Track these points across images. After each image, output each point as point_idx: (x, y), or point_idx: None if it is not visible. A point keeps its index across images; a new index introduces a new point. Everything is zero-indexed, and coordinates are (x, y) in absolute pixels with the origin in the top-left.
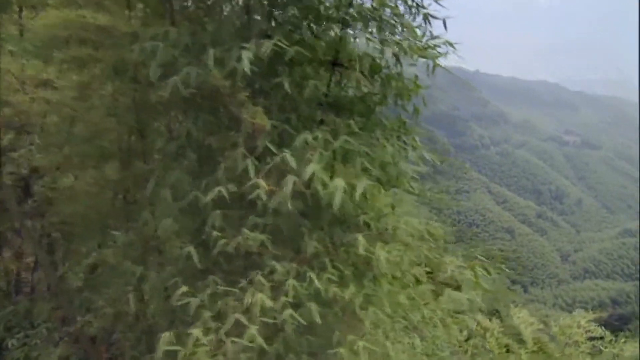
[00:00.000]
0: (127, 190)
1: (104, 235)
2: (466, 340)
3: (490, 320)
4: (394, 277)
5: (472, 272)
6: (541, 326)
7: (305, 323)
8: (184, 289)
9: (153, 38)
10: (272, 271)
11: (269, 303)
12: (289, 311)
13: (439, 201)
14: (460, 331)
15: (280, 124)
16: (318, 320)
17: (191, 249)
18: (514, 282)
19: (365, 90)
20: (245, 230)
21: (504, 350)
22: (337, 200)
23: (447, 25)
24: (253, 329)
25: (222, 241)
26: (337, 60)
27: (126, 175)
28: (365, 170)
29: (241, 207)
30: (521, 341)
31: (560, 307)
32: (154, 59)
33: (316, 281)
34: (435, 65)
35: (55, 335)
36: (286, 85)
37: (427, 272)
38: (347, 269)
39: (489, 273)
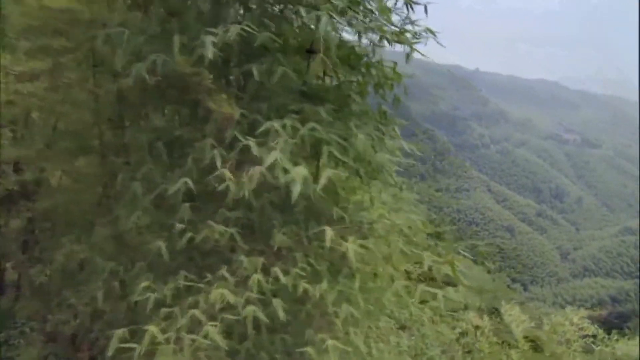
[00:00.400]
0: (103, 184)
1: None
2: (457, 339)
3: (482, 318)
4: (375, 274)
5: (450, 267)
6: (533, 324)
7: (267, 320)
8: (146, 284)
9: (121, 25)
10: (240, 266)
11: (231, 299)
12: (252, 307)
13: (439, 199)
14: (453, 329)
15: (250, 114)
16: (282, 317)
17: (161, 243)
18: (514, 280)
19: (341, 78)
20: (212, 224)
21: (495, 349)
22: (297, 189)
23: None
24: (209, 326)
25: (188, 235)
26: (312, 48)
27: (100, 169)
28: (339, 161)
29: (213, 200)
30: (512, 340)
31: (560, 305)
32: (119, 46)
33: (281, 276)
34: (412, 51)
35: (35, 334)
36: (255, 73)
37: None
38: (322, 265)
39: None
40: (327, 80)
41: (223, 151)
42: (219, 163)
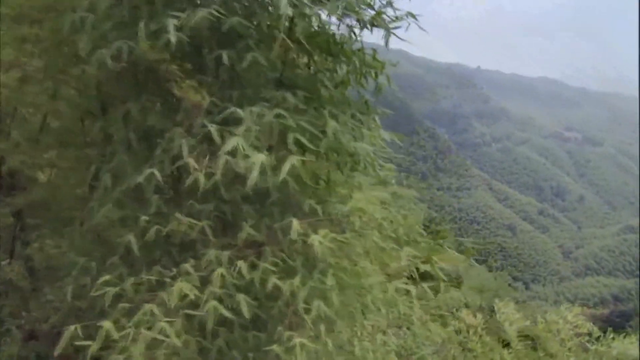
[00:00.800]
0: (80, 178)
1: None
2: (450, 339)
3: (475, 316)
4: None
5: (430, 265)
6: (528, 322)
7: (231, 317)
8: (106, 278)
9: (89, 10)
10: (208, 260)
11: (190, 294)
12: (213, 303)
13: (441, 198)
14: (445, 327)
15: (222, 102)
16: (246, 313)
17: (131, 237)
18: (515, 279)
19: (320, 66)
20: (179, 216)
21: (487, 348)
22: (254, 175)
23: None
24: (164, 323)
25: (155, 228)
26: (290, 36)
27: (77, 163)
28: (312, 151)
29: (185, 192)
30: (505, 339)
31: (561, 304)
32: (85, 32)
33: (244, 270)
34: (389, 35)
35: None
36: (225, 58)
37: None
38: (297, 260)
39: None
40: (306, 69)
41: (193, 141)
42: (185, 153)
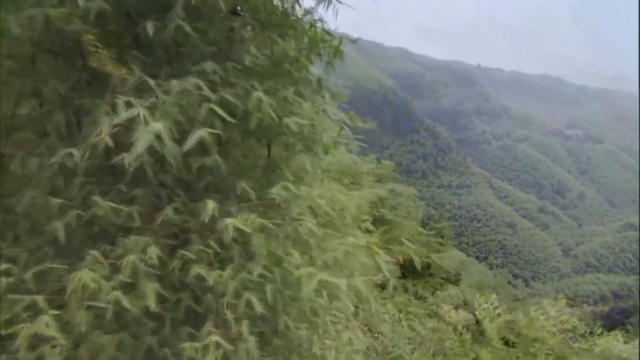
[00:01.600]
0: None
1: None
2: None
3: (457, 312)
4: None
5: (371, 256)
6: (510, 317)
7: (136, 310)
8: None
9: None
10: (124, 247)
11: (91, 283)
12: (116, 293)
13: (441, 196)
14: (425, 325)
15: (153, 79)
16: (150, 305)
17: (58, 224)
18: (515, 276)
19: (260, 39)
20: (97, 199)
21: (466, 347)
22: (140, 144)
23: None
24: (47, 316)
25: (73, 213)
26: (236, 10)
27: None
28: (237, 127)
29: (112, 175)
30: (485, 336)
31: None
32: None
33: (154, 257)
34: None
35: None
36: (149, 27)
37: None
38: (233, 249)
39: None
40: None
41: (117, 118)
42: (104, 131)
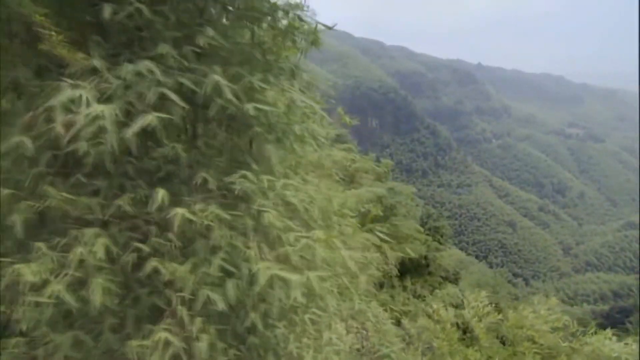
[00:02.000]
0: None
1: None
2: (418, 336)
3: (447, 310)
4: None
5: (329, 248)
6: (500, 316)
7: (75, 304)
8: None
9: None
10: (75, 240)
11: (29, 277)
12: (57, 287)
13: (441, 195)
14: (414, 322)
15: (112, 65)
16: (98, 301)
17: (16, 217)
18: (515, 275)
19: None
20: (48, 189)
21: (454, 346)
22: (77, 127)
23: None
24: None
25: (24, 204)
26: None
27: None
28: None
29: (75, 165)
30: (473, 335)
31: (562, 300)
32: None
33: (100, 250)
34: None
35: None
36: (106, 10)
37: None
38: (197, 242)
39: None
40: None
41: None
42: (58, 119)
